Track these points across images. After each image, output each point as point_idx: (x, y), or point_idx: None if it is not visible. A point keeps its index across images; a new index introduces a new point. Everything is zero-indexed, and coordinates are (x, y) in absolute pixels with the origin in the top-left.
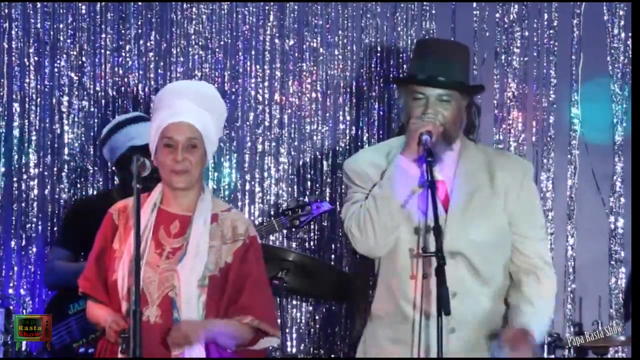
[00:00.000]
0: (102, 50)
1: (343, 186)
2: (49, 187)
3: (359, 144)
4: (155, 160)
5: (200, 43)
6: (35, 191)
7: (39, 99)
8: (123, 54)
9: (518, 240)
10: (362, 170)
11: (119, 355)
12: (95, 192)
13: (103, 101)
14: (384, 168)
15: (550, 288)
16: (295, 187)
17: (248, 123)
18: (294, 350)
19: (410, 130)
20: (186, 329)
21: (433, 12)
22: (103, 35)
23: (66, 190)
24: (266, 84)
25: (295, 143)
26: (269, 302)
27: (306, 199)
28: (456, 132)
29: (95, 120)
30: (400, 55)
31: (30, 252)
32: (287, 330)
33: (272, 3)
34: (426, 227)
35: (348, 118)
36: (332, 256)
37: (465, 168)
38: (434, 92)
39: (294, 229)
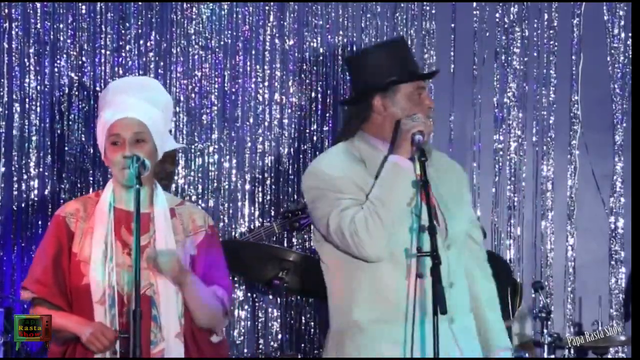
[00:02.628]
0: (102, 50)
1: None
2: (49, 187)
3: None
4: (106, 160)
5: (200, 43)
6: (35, 191)
7: (39, 99)
8: (123, 54)
9: (473, 229)
10: (338, 174)
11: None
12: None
13: None
14: (359, 168)
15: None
16: (295, 187)
17: (248, 123)
18: (294, 350)
19: (402, 130)
20: (164, 261)
21: (433, 12)
22: (103, 35)
23: (66, 190)
24: (266, 84)
25: (295, 143)
26: (230, 287)
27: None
28: None
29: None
30: None
31: (30, 252)
32: (287, 330)
33: (272, 3)
34: (420, 227)
35: None
36: None
37: (431, 164)
38: (425, 84)
39: (294, 232)
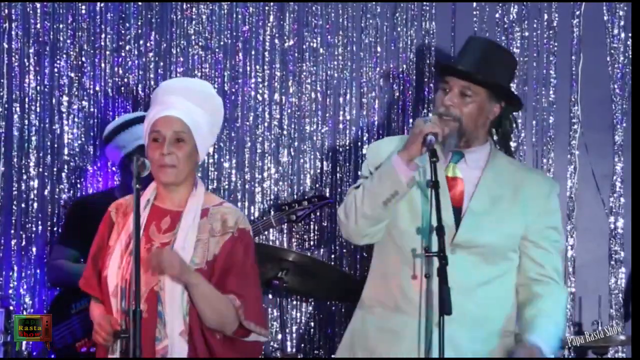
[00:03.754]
0: (102, 51)
1: (329, 180)
2: (49, 187)
3: (359, 144)
4: (148, 156)
5: (200, 43)
6: (35, 191)
7: (39, 99)
8: (123, 54)
9: (532, 248)
10: (374, 159)
11: (114, 355)
12: (96, 192)
13: (103, 101)
14: None
15: (565, 303)
16: (295, 187)
17: (248, 123)
18: (294, 350)
19: (414, 132)
20: (166, 260)
21: (433, 12)
22: (103, 36)
23: (66, 190)
24: (266, 84)
25: (295, 143)
26: (255, 296)
27: (303, 195)
28: (474, 132)
29: (95, 121)
30: (400, 55)
31: (30, 252)
32: (287, 330)
33: (272, 3)
34: (429, 227)
35: (348, 118)
36: (332, 256)
37: (493, 174)
38: (458, 83)
39: (292, 224)
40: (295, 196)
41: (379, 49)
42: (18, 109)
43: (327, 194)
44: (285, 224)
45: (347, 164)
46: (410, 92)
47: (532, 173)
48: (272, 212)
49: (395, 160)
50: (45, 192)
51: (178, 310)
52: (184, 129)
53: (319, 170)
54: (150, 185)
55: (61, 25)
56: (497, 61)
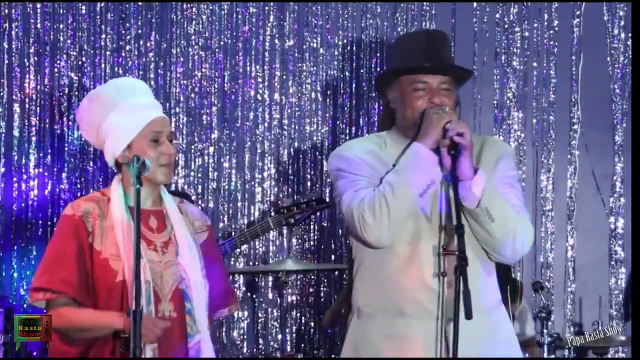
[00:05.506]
0: (102, 51)
1: (329, 180)
2: (49, 187)
3: None
4: (130, 154)
5: (200, 43)
6: (35, 191)
7: (39, 99)
8: (123, 54)
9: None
10: (359, 157)
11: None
12: (96, 192)
13: None
14: (382, 156)
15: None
16: (295, 187)
17: (248, 123)
18: (294, 350)
19: (432, 120)
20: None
21: (433, 12)
22: (103, 36)
23: (66, 190)
24: (266, 84)
25: (295, 143)
26: (230, 282)
27: (302, 198)
28: None
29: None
30: None
31: (30, 252)
32: (287, 330)
33: (272, 3)
34: (448, 225)
35: (348, 118)
36: (332, 256)
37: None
38: (436, 80)
39: (291, 227)
40: (295, 196)
41: (378, 49)
42: (18, 109)
43: (327, 194)
44: (285, 227)
45: None
46: None
47: (485, 142)
48: (271, 215)
49: (421, 148)
50: (45, 192)
51: (204, 305)
52: (171, 130)
53: (319, 171)
54: (113, 188)
55: (61, 25)
56: (447, 48)
